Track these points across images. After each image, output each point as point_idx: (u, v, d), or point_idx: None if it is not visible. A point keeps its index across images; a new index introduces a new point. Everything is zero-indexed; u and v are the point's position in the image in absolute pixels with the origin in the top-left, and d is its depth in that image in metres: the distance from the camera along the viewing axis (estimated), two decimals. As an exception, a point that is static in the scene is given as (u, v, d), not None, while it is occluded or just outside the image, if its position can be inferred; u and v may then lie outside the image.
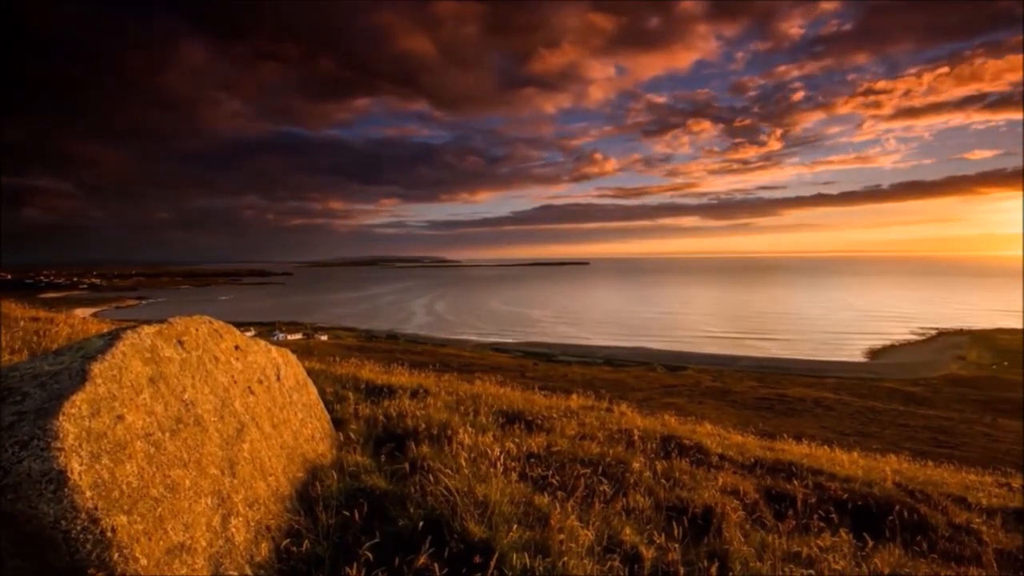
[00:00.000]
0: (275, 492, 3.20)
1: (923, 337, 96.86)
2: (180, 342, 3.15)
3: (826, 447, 8.18)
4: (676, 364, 73.07)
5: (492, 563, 2.81)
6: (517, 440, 4.91)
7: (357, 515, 3.11)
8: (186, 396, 2.88)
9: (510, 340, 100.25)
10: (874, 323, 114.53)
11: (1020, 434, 38.46)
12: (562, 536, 3.18)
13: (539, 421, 6.12)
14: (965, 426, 41.70)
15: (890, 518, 4.96)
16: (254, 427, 3.39)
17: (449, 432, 4.76)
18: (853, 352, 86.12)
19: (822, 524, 4.54)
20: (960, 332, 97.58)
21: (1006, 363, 69.73)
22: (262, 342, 4.34)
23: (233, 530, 2.68)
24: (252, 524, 2.84)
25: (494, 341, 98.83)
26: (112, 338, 2.74)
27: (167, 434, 2.57)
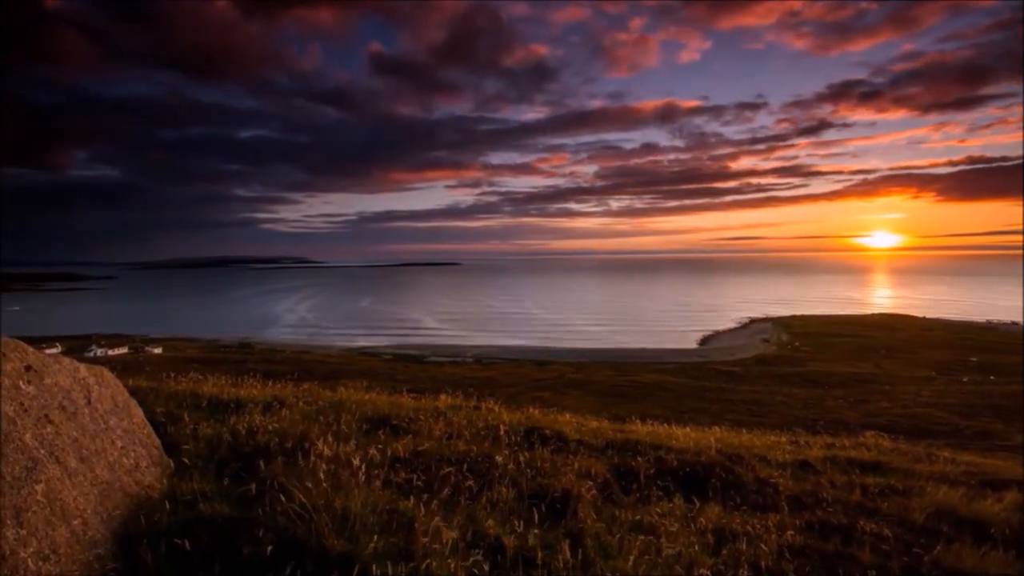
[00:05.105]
0: (81, 537, 2.72)
1: (740, 325, 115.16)
2: (-62, 366, 2.52)
3: (666, 424, 9.27)
4: (543, 359, 76.91)
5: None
6: (381, 446, 4.77)
7: (192, 549, 2.77)
8: (-53, 434, 2.31)
9: (381, 343, 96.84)
10: (709, 314, 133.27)
11: (805, 400, 47.84)
12: (426, 538, 3.18)
13: (405, 424, 6.02)
14: (770, 397, 50.50)
15: (713, 480, 5.83)
16: (53, 463, 2.84)
17: (307, 444, 4.47)
18: (690, 341, 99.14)
19: (661, 493, 5.17)
20: (766, 319, 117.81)
21: (798, 343, 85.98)
22: (68, 360, 3.66)
23: (20, 591, 2.22)
24: (49, 579, 2.38)
25: (363, 345, 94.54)
26: None
27: (-84, 484, 2.04)
